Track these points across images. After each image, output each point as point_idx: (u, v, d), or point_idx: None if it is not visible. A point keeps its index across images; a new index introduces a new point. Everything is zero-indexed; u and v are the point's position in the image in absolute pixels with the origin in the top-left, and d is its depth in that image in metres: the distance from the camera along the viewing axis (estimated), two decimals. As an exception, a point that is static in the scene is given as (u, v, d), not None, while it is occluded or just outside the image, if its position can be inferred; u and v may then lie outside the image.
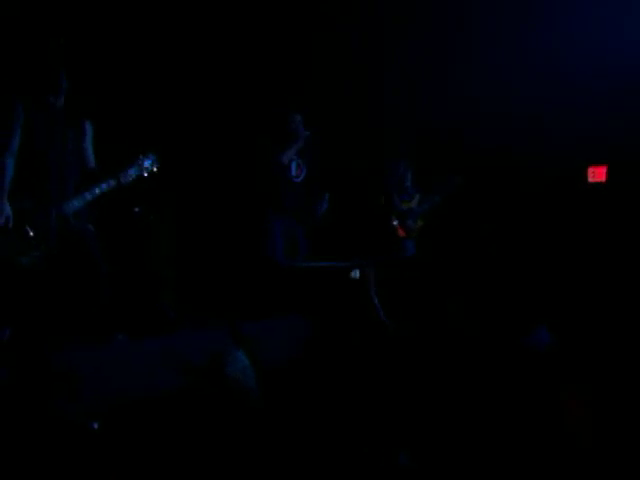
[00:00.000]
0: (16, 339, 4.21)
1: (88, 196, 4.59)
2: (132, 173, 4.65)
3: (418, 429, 3.21)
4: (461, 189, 6.60)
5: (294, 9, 6.49)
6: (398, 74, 6.85)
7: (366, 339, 4.64)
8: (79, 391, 3.63)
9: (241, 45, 6.42)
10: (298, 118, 6.08)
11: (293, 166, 6.12)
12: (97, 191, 4.60)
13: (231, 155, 6.33)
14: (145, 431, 3.29)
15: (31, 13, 5.19)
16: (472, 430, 3.16)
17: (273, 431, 3.23)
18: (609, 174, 6.74)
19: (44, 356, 3.86)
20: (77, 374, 3.72)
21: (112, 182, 4.59)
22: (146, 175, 4.72)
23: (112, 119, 5.50)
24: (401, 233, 6.60)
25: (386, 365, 4.05)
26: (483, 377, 3.67)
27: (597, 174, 6.79)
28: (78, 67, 4.76)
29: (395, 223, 6.55)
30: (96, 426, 3.36)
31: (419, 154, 6.66)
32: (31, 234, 4.46)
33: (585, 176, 6.81)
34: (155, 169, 4.75)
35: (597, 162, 6.77)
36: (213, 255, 6.12)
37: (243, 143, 6.26)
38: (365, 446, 3.01)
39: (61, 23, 5.29)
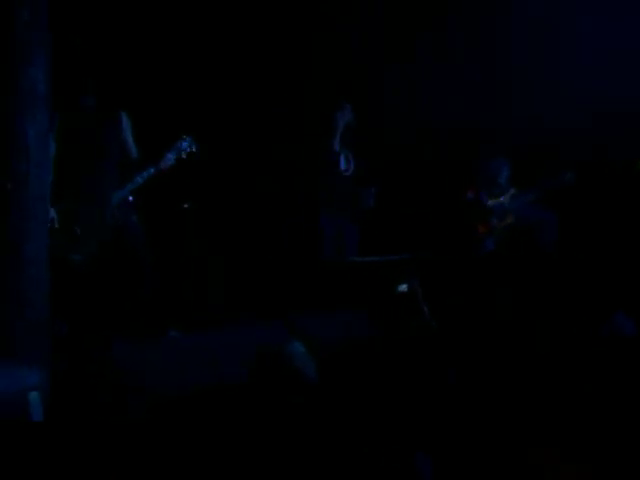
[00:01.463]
0: (73, 335, 4.22)
1: (130, 185, 4.74)
2: (171, 157, 4.75)
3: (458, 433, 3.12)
4: (571, 185, 6.19)
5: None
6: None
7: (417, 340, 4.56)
8: (135, 386, 3.61)
9: (289, 33, 6.37)
10: (347, 106, 5.99)
11: (342, 159, 6.03)
12: (139, 180, 4.74)
13: (279, 149, 6.27)
14: (203, 424, 3.25)
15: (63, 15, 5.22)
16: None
17: (328, 425, 3.17)
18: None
19: (100, 351, 3.86)
20: (132, 369, 3.71)
21: (152, 169, 4.72)
22: (185, 157, 4.81)
23: (153, 113, 5.53)
24: (481, 230, 6.28)
25: (432, 366, 3.98)
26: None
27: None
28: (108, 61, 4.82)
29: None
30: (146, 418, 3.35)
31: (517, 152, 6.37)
32: (79, 233, 4.59)
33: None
34: (193, 150, 4.83)
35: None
36: (264, 250, 6.08)
37: (292, 136, 6.20)
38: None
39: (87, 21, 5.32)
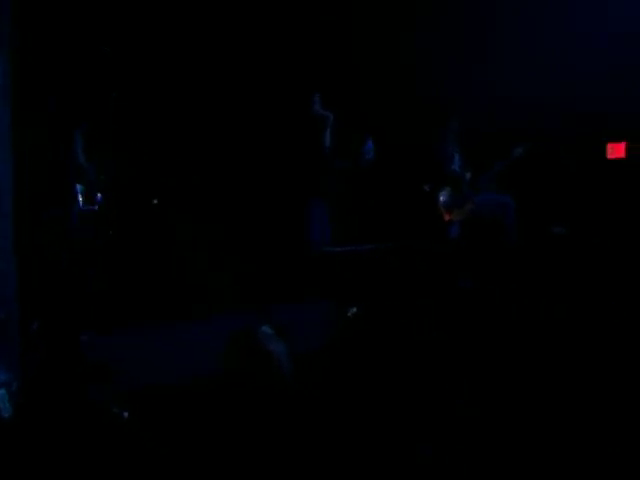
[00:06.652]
0: (45, 329, 4.21)
1: None
2: None
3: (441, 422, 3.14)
4: (526, 156, 6.23)
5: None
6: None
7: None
8: (109, 377, 3.60)
9: (273, 31, 6.42)
10: (316, 98, 6.02)
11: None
12: None
13: (267, 142, 6.29)
14: (177, 414, 3.25)
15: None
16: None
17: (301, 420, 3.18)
18: (628, 151, 6.64)
19: (74, 343, 3.86)
20: (108, 360, 3.71)
21: None
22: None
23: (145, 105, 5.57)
24: (447, 217, 6.10)
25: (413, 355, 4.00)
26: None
27: (616, 150, 6.70)
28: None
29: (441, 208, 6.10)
30: (126, 415, 3.33)
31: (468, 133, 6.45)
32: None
33: (604, 152, 6.72)
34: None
35: (616, 139, 6.67)
36: (246, 240, 6.07)
37: (278, 130, 6.22)
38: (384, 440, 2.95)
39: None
